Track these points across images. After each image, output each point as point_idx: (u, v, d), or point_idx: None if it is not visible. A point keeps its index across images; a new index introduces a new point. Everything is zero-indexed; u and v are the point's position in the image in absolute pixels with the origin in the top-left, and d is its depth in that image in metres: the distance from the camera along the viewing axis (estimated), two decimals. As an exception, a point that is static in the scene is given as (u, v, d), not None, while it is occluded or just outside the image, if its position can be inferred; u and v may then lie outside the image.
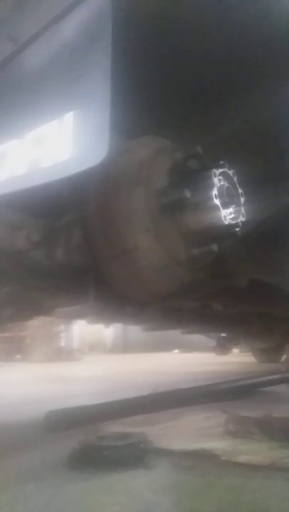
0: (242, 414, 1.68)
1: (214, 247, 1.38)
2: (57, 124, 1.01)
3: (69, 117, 1.00)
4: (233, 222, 1.40)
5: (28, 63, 1.20)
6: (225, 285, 1.87)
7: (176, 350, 8.99)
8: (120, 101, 0.97)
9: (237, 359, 5.81)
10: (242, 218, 1.43)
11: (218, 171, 1.39)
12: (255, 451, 1.31)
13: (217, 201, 1.36)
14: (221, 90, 1.50)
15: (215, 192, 1.37)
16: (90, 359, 8.04)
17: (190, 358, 6.85)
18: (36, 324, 7.34)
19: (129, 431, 1.44)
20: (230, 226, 1.40)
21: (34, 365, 6.77)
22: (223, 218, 1.37)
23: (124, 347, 10.01)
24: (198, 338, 5.19)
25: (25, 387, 3.57)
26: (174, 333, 3.26)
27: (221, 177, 1.39)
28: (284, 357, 4.92)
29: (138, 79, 1.33)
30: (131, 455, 1.25)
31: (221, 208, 1.37)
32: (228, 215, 1.38)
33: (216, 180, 1.38)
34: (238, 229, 1.42)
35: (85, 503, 1.02)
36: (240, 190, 1.45)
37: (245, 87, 1.49)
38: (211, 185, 1.37)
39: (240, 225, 1.42)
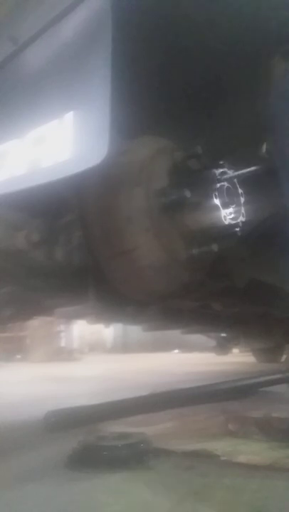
0: (242, 414, 1.68)
1: (214, 247, 1.38)
2: (57, 124, 1.01)
3: (69, 117, 0.99)
4: (233, 222, 1.40)
5: (28, 63, 1.20)
6: (225, 285, 1.87)
7: (176, 350, 8.99)
8: (120, 101, 0.97)
9: (237, 359, 5.81)
10: (242, 218, 1.43)
11: (218, 171, 1.39)
12: (255, 451, 1.31)
13: (217, 201, 1.37)
14: (221, 90, 1.50)
15: (215, 192, 1.37)
16: (90, 359, 8.04)
17: (190, 358, 6.84)
18: (36, 324, 7.34)
19: (129, 431, 1.44)
20: (230, 226, 1.40)
21: (34, 365, 6.76)
22: (223, 218, 1.37)
23: (124, 347, 10.01)
24: (198, 338, 5.19)
25: (25, 387, 3.57)
26: (174, 333, 3.25)
27: (220, 177, 1.39)
28: (284, 357, 4.92)
29: (138, 79, 1.33)
30: (131, 455, 1.25)
31: (221, 208, 1.37)
32: (228, 215, 1.39)
33: (215, 180, 1.38)
34: (238, 229, 1.42)
35: (85, 503, 1.02)
36: (240, 190, 1.45)
37: (245, 87, 1.49)
38: (211, 185, 1.37)
39: (240, 225, 1.42)
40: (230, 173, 1.42)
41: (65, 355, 7.95)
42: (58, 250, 1.50)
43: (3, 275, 1.59)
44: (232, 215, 1.40)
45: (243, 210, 1.44)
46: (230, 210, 1.39)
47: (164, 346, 8.69)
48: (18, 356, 7.97)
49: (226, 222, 1.37)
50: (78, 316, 2.06)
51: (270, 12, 1.34)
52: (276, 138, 1.38)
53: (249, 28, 1.35)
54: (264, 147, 1.35)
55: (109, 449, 1.26)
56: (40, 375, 4.97)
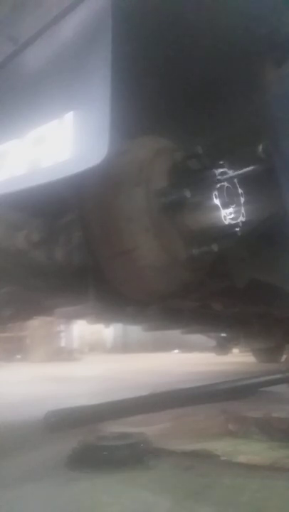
0: (242, 414, 1.68)
1: (214, 247, 1.38)
2: (57, 124, 1.01)
3: (69, 117, 0.99)
4: (233, 222, 1.40)
5: (28, 63, 1.20)
6: (225, 285, 1.87)
7: (176, 350, 8.99)
8: (120, 101, 0.97)
9: (237, 359, 5.81)
10: (242, 218, 1.43)
11: (218, 171, 1.39)
12: (255, 451, 1.31)
13: (217, 201, 1.37)
14: (222, 90, 1.50)
15: (215, 192, 1.37)
16: (90, 359, 8.04)
17: (190, 358, 6.84)
18: (36, 324, 7.34)
19: (129, 431, 1.44)
20: (230, 226, 1.40)
21: (34, 365, 6.77)
22: (223, 218, 1.37)
23: (124, 347, 10.01)
24: (198, 338, 5.19)
25: (25, 387, 3.57)
26: (174, 333, 3.26)
27: (220, 177, 1.39)
28: (284, 357, 4.91)
29: (138, 79, 1.33)
30: (131, 455, 1.25)
31: (221, 208, 1.37)
32: (228, 215, 1.38)
33: (215, 180, 1.38)
34: (238, 229, 1.42)
35: (85, 503, 1.02)
36: (240, 190, 1.45)
37: (246, 87, 1.49)
38: (211, 185, 1.37)
39: (240, 225, 1.42)
40: (230, 173, 1.42)
41: (65, 355, 7.96)
42: (58, 250, 1.50)
43: (3, 275, 1.59)
44: (232, 215, 1.40)
45: (243, 210, 1.44)
46: (230, 210, 1.39)
47: (164, 346, 8.69)
48: (18, 356, 7.98)
49: (226, 222, 1.37)
50: (78, 316, 2.06)
51: (267, 14, 1.34)
52: (276, 138, 1.38)
53: (248, 28, 1.35)
54: (260, 147, 1.36)
55: (109, 449, 1.26)
56: (40, 375, 4.97)
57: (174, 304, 1.99)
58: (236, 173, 1.42)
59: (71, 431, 1.60)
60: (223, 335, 4.32)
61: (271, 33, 1.37)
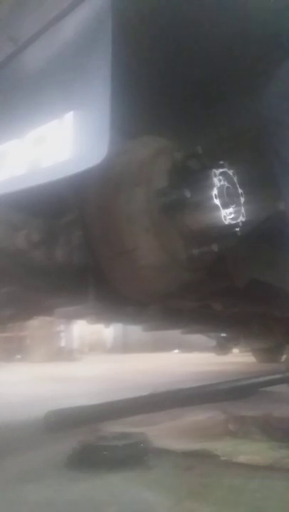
0: (242, 414, 1.68)
1: (214, 247, 1.38)
2: (57, 124, 1.01)
3: (69, 117, 0.99)
4: (233, 222, 1.40)
5: (28, 63, 1.20)
6: (225, 285, 1.87)
7: (176, 350, 8.99)
8: (120, 101, 0.97)
9: (237, 359, 5.81)
10: (242, 218, 1.43)
11: (218, 171, 1.39)
12: (255, 451, 1.31)
13: (217, 201, 1.36)
14: (221, 90, 1.50)
15: (215, 192, 1.37)
16: (90, 359, 8.04)
17: (190, 358, 6.85)
18: (36, 324, 7.35)
19: (129, 431, 1.44)
20: (230, 226, 1.40)
21: (34, 365, 6.77)
22: (223, 218, 1.37)
23: (124, 347, 10.01)
24: (198, 338, 5.20)
25: (25, 387, 3.57)
26: (174, 333, 3.26)
27: (221, 177, 1.39)
28: (284, 357, 4.92)
29: (138, 79, 1.33)
30: (131, 455, 1.25)
31: (221, 208, 1.37)
32: (228, 215, 1.38)
33: (216, 180, 1.38)
34: (238, 229, 1.42)
35: (85, 503, 1.02)
36: (240, 190, 1.45)
37: (245, 87, 1.49)
38: (211, 185, 1.37)
39: (240, 225, 1.42)
40: (230, 173, 1.42)
41: (65, 355, 7.96)
42: (58, 250, 1.50)
43: (3, 275, 1.59)
44: (232, 215, 1.40)
45: (243, 210, 1.44)
46: (230, 210, 1.39)
47: (164, 346, 8.70)
48: (18, 356, 7.98)
49: (226, 222, 1.37)
50: (78, 316, 2.06)
51: (269, 15, 1.34)
52: (275, 138, 1.38)
53: (249, 29, 1.35)
54: (260, 147, 1.36)
55: (109, 449, 1.26)
56: (40, 375, 4.97)
57: (174, 303, 1.99)
58: (236, 173, 1.42)
59: (71, 431, 1.60)
60: (223, 335, 4.32)
61: (271, 33, 1.37)
